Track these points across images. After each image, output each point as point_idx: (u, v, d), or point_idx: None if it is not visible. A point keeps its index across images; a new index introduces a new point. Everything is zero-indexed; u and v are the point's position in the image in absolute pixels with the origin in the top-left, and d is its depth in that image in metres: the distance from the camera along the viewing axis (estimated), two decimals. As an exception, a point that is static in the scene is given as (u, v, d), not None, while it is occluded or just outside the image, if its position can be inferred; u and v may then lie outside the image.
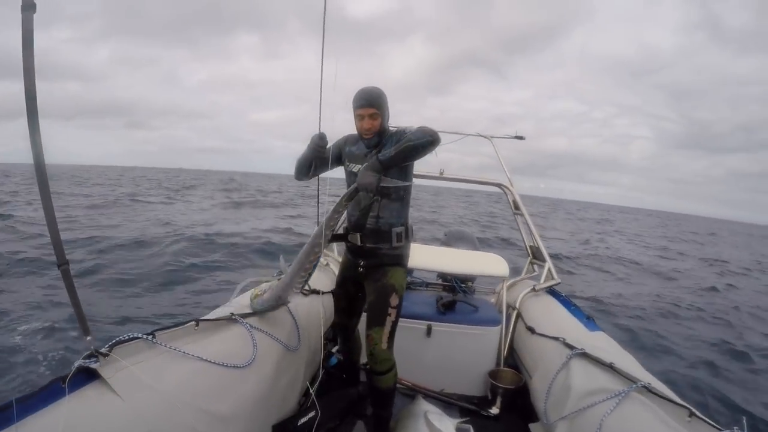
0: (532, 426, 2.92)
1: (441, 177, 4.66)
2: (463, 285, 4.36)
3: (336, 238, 2.83)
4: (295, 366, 2.86)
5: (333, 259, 4.31)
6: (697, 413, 1.85)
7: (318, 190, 2.88)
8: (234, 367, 2.19)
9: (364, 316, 2.97)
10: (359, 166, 2.57)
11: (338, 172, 2.83)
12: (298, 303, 3.16)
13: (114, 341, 1.76)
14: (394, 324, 2.69)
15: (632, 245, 24.29)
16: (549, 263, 4.33)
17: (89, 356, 1.63)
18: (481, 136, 4.96)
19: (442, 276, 4.72)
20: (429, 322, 3.48)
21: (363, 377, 3.32)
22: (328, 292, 3.63)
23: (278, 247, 11.77)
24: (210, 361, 2.06)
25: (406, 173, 2.59)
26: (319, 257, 2.52)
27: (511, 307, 4.01)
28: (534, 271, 4.69)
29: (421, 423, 2.65)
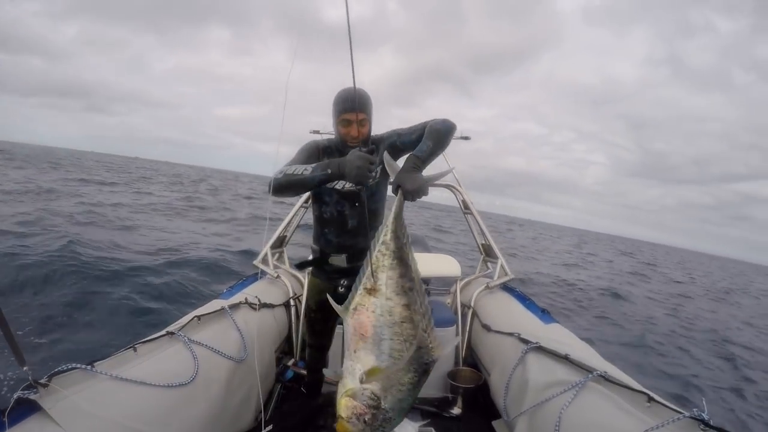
0: (494, 423, 2.85)
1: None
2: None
3: (311, 263, 2.60)
4: (248, 382, 2.73)
5: (285, 271, 4.15)
6: (656, 397, 1.81)
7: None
8: (178, 386, 2.08)
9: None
10: (345, 183, 2.30)
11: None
12: (247, 317, 3.03)
13: (52, 372, 1.69)
14: None
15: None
16: (501, 260, 4.31)
17: (28, 387, 1.56)
18: None
19: None
20: None
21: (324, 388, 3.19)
22: (280, 305, 3.49)
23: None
24: (152, 384, 1.96)
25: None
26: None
27: (466, 306, 3.96)
28: (487, 268, 4.66)
29: None
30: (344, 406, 1.71)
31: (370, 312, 1.76)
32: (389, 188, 2.04)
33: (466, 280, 4.55)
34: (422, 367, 1.73)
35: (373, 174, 1.95)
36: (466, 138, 5.10)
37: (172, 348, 2.33)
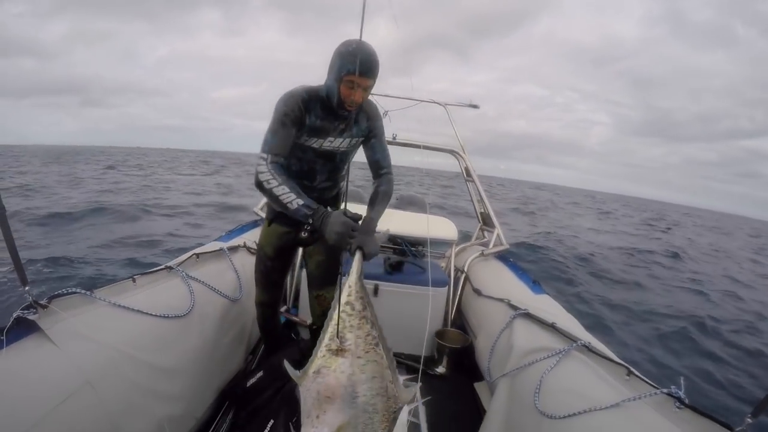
0: (476, 385, 2.89)
1: (394, 142, 4.51)
2: (413, 249, 4.29)
3: (277, 215, 2.38)
4: (241, 322, 2.79)
5: None
6: (635, 372, 1.82)
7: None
8: (174, 317, 2.13)
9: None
10: (322, 140, 2.12)
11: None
12: (244, 260, 3.06)
13: (52, 294, 1.72)
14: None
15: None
16: (498, 229, 4.30)
17: (27, 307, 1.59)
18: (435, 102, 4.83)
19: (392, 240, 4.65)
20: (376, 282, 3.38)
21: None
22: None
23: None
24: (148, 313, 2.01)
25: (382, 143, 2.29)
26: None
27: (459, 270, 3.97)
28: (484, 237, 4.67)
29: None
30: None
31: (338, 373, 1.69)
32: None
33: (461, 246, 4.56)
34: (392, 415, 1.70)
35: (351, 243, 1.83)
36: (475, 106, 5.01)
37: (170, 282, 2.36)
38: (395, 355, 3.27)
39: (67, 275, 6.13)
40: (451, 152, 4.70)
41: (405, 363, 3.28)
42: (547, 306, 2.78)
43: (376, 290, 3.38)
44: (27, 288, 1.58)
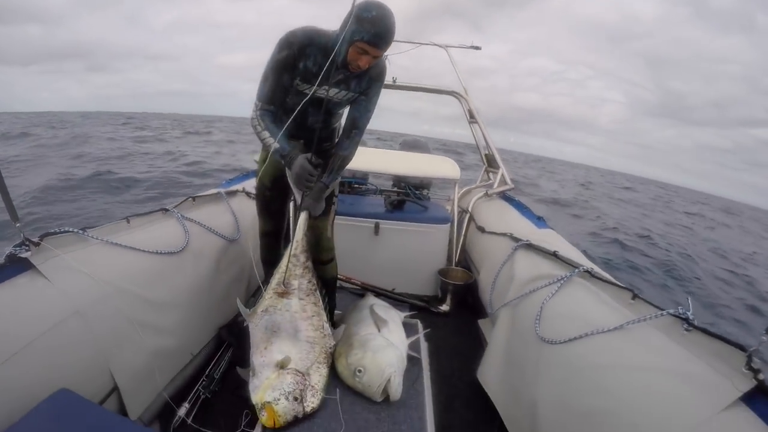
0: (480, 321, 2.82)
1: (394, 86, 4.33)
2: (417, 192, 4.17)
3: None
4: (239, 263, 2.73)
5: None
6: (640, 295, 1.71)
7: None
8: (167, 253, 2.11)
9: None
10: (316, 88, 2.02)
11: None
12: (243, 204, 3.00)
13: (44, 233, 1.71)
14: (335, 213, 2.46)
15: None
16: (503, 169, 4.16)
17: (20, 245, 1.58)
18: (436, 45, 4.64)
19: (396, 183, 4.52)
20: (377, 220, 3.28)
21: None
22: None
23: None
24: (142, 250, 1.99)
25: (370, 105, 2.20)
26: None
27: (463, 210, 3.87)
28: (489, 179, 4.53)
29: (366, 314, 2.50)
30: (268, 390, 1.86)
31: (284, 311, 2.10)
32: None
33: (466, 188, 4.45)
34: (329, 350, 2.14)
35: (310, 185, 2.04)
36: (477, 47, 4.79)
37: (165, 222, 2.33)
38: (399, 294, 3.22)
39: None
40: (452, 94, 4.51)
41: (408, 302, 3.21)
42: (551, 239, 2.67)
43: (377, 228, 3.28)
44: (18, 225, 1.56)
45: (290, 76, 2.00)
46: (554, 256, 2.20)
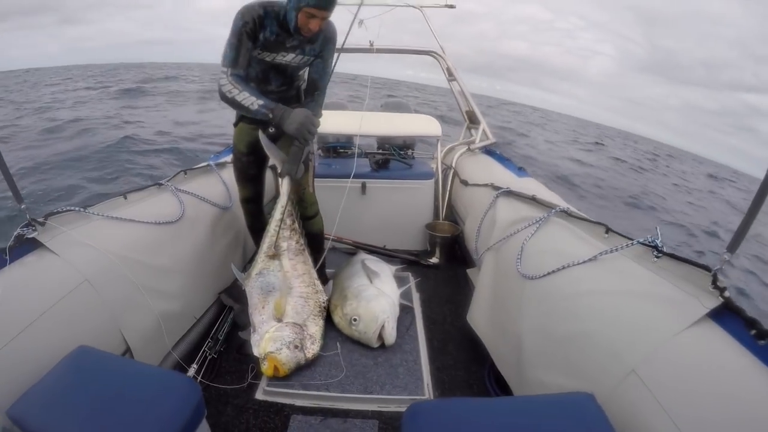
0: (469, 270, 2.90)
1: (371, 50, 4.28)
2: (401, 152, 4.20)
3: (242, 116, 2.44)
4: (234, 229, 2.80)
5: None
6: (613, 229, 1.78)
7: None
8: (165, 223, 2.17)
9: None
10: (275, 54, 2.14)
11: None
12: (233, 174, 3.03)
13: (48, 213, 1.79)
14: (314, 169, 2.54)
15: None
16: (483, 124, 4.17)
17: (26, 225, 1.65)
18: (410, 6, 4.56)
19: (381, 145, 4.54)
20: (363, 180, 3.32)
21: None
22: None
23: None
24: (141, 221, 2.06)
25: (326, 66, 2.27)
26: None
27: (447, 166, 3.90)
28: (471, 135, 4.53)
29: (358, 268, 2.58)
30: (269, 342, 2.00)
31: (276, 272, 2.21)
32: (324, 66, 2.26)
33: (449, 146, 4.47)
34: (321, 304, 2.27)
35: (313, 132, 2.03)
36: (451, 6, 4.71)
37: (160, 195, 2.38)
38: (390, 250, 3.29)
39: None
40: (430, 53, 4.47)
41: (399, 257, 3.29)
42: (531, 185, 2.73)
43: (363, 188, 3.32)
44: (23, 207, 1.64)
45: (252, 45, 2.06)
46: (533, 199, 2.26)
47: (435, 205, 3.66)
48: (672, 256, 1.49)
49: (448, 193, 3.69)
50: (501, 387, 1.98)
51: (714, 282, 1.28)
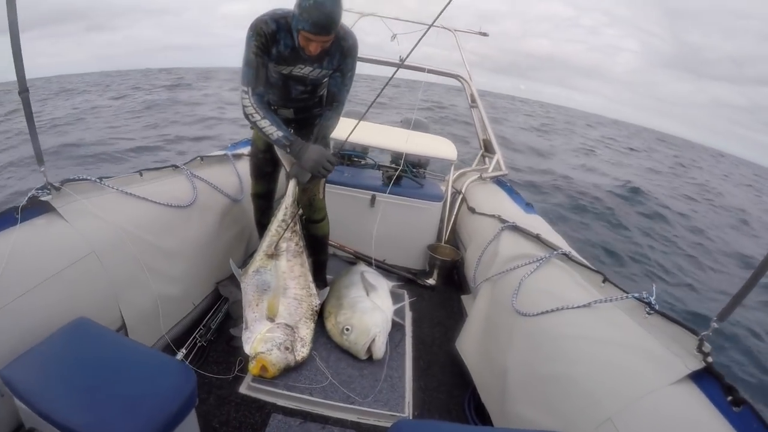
0: (464, 297, 2.92)
1: (400, 64, 4.31)
2: (414, 170, 4.23)
3: None
4: (242, 222, 2.83)
5: None
6: (610, 279, 1.81)
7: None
8: (176, 206, 2.21)
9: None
10: (291, 67, 2.11)
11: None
12: (247, 167, 3.06)
13: (65, 179, 1.81)
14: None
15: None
16: (498, 155, 4.21)
17: (42, 188, 1.68)
18: (444, 28, 4.62)
19: (395, 160, 4.57)
20: (374, 193, 3.35)
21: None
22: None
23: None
24: (154, 201, 2.09)
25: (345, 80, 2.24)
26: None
27: (457, 191, 3.93)
28: (485, 163, 4.57)
29: (357, 279, 2.60)
30: (261, 342, 2.02)
31: (273, 272, 2.23)
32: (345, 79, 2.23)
33: (462, 170, 4.50)
34: (314, 308, 2.27)
35: (329, 170, 2.07)
36: (484, 34, 4.78)
37: (175, 178, 2.42)
38: (389, 265, 3.31)
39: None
40: (456, 77, 4.52)
41: (397, 273, 3.30)
42: (537, 223, 2.75)
43: (373, 200, 3.35)
44: (42, 169, 1.67)
45: (268, 59, 2.05)
46: (537, 238, 2.28)
47: (439, 228, 3.68)
48: (663, 314, 1.52)
49: (453, 217, 3.71)
50: (479, 415, 2.00)
51: (700, 346, 1.31)
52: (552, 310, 1.74)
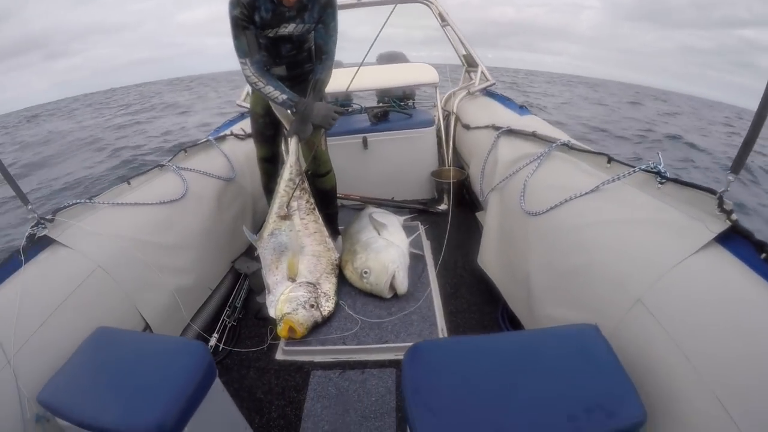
0: (478, 214, 2.85)
1: (359, 4, 4.06)
2: (402, 103, 4.07)
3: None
4: (240, 200, 2.78)
5: None
6: (615, 158, 1.71)
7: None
8: (170, 202, 2.18)
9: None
10: (276, 29, 2.11)
11: None
12: (234, 146, 3.01)
13: (55, 209, 1.82)
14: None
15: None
16: (481, 66, 4.01)
17: (36, 224, 1.67)
18: None
19: (380, 99, 4.40)
20: (363, 135, 3.25)
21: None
22: None
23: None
24: (146, 203, 2.08)
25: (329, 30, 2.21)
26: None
27: (449, 112, 3.79)
28: (471, 79, 4.37)
29: (365, 222, 2.55)
30: (285, 303, 2.01)
31: (288, 231, 2.20)
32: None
33: (449, 92, 4.33)
34: (334, 262, 2.26)
35: (335, 122, 2.18)
36: None
37: (163, 176, 2.38)
38: (398, 202, 3.24)
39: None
40: (420, 1, 4.25)
41: (408, 207, 3.24)
42: (533, 122, 2.63)
43: (365, 142, 3.25)
44: (30, 207, 1.66)
45: (253, 28, 2.07)
46: (533, 135, 2.18)
47: (440, 153, 3.59)
48: (676, 180, 1.41)
49: (452, 138, 3.59)
50: (515, 326, 1.97)
51: (720, 205, 1.21)
52: (560, 203, 1.66)
